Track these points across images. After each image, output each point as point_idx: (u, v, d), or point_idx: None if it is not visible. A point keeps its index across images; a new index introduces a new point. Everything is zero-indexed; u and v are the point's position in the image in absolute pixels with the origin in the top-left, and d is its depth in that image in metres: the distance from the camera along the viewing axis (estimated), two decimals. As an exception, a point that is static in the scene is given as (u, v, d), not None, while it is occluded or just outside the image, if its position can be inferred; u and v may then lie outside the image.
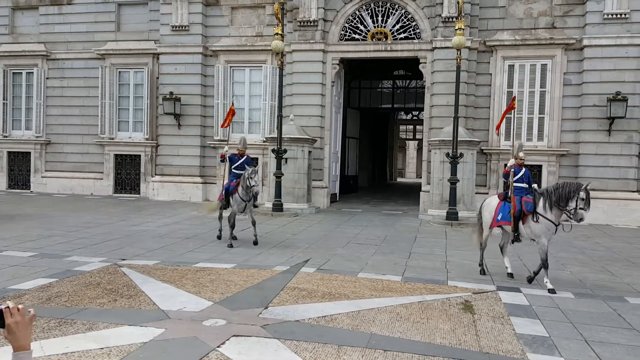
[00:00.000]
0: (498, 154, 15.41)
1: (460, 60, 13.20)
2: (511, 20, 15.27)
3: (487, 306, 5.93)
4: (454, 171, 13.19)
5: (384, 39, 15.86)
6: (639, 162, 14.46)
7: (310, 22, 15.93)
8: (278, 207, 14.11)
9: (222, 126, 11.48)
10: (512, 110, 9.14)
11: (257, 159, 16.15)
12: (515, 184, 7.44)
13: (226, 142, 11.33)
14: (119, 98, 18.46)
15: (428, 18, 15.50)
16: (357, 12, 16.06)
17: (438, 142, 14.13)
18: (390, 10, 15.83)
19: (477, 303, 6.05)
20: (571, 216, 6.66)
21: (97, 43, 18.40)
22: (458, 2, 13.10)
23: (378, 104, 24.62)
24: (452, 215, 13.10)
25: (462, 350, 4.54)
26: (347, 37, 16.19)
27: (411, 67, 18.48)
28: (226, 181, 10.10)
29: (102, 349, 4.36)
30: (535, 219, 6.96)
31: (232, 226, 9.61)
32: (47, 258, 7.92)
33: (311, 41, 16.05)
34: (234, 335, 4.74)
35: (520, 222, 7.22)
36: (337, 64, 16.26)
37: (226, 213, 9.99)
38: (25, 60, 19.06)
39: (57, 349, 4.31)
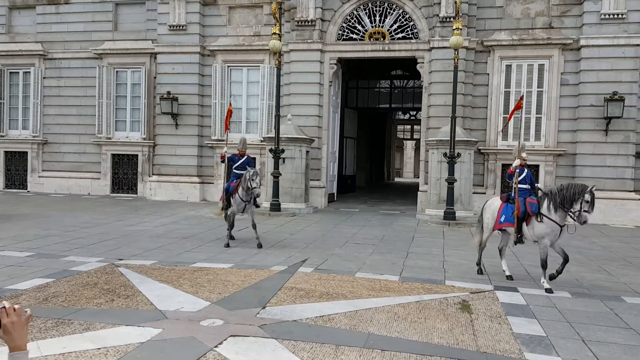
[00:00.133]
0: (495, 153, 15.44)
1: (457, 60, 13.22)
2: (509, 20, 15.29)
3: (485, 306, 5.94)
4: (451, 171, 13.21)
5: (382, 39, 15.87)
6: (635, 162, 14.50)
7: (308, 22, 15.93)
8: (275, 207, 14.10)
9: (225, 130, 11.50)
10: (520, 110, 8.95)
11: (254, 158, 16.12)
12: (520, 185, 7.38)
13: (225, 143, 11.31)
14: (116, 98, 18.44)
15: (426, 18, 15.51)
16: (355, 12, 16.06)
17: (436, 142, 14.15)
18: (388, 10, 15.84)
19: (475, 303, 6.05)
20: (575, 218, 6.62)
21: (95, 42, 18.38)
22: (455, 2, 13.11)
23: (376, 104, 24.63)
24: (449, 215, 13.11)
25: (459, 350, 4.54)
26: (344, 37, 16.19)
27: (409, 67, 18.50)
28: (225, 182, 10.09)
29: (99, 349, 4.35)
30: (539, 220, 6.90)
31: (231, 226, 9.60)
32: (44, 258, 7.90)
33: (309, 41, 16.05)
34: (231, 335, 4.73)
35: (524, 224, 7.16)
36: (335, 64, 16.26)
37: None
38: (22, 60, 19.02)
39: (54, 349, 4.30)
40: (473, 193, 14.47)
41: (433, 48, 15.26)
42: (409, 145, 46.98)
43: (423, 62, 15.60)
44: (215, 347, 4.46)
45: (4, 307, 1.85)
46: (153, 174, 17.86)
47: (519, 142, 8.02)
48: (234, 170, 9.83)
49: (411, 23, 15.71)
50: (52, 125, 19.01)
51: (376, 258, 8.61)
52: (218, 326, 4.99)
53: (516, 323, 5.32)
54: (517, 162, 7.51)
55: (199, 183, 17.29)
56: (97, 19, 18.49)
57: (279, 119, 14.42)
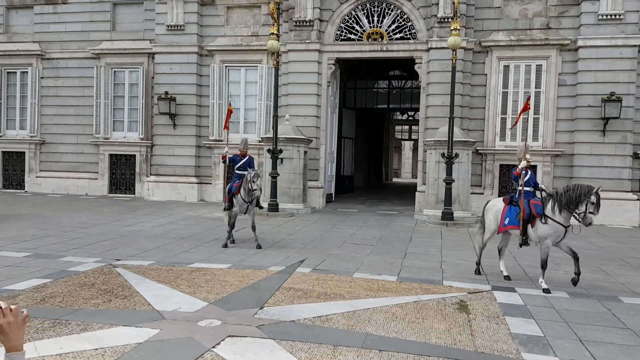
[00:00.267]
0: (493, 154, 15.46)
1: (455, 60, 13.23)
2: (506, 21, 15.31)
3: (482, 306, 5.94)
4: (449, 171, 13.21)
5: (380, 39, 15.88)
6: (633, 162, 14.53)
7: (306, 22, 15.92)
8: (274, 207, 14.09)
9: (224, 129, 11.49)
10: (527, 111, 8.84)
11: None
12: (524, 187, 7.33)
13: (225, 143, 11.32)
14: (114, 98, 18.41)
15: (424, 18, 15.53)
16: (353, 12, 16.07)
17: (433, 142, 14.15)
18: (386, 11, 15.85)
19: (472, 303, 6.06)
20: (580, 220, 6.58)
21: (92, 42, 18.34)
22: (454, 3, 13.12)
23: (374, 104, 24.64)
24: (447, 216, 13.12)
25: (457, 350, 4.55)
26: (342, 37, 16.20)
27: (407, 67, 18.51)
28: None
29: (96, 349, 4.35)
30: (543, 221, 6.86)
31: (232, 226, 9.61)
32: (41, 258, 7.88)
33: (307, 41, 16.05)
34: (229, 336, 4.73)
35: (529, 226, 7.10)
36: (333, 64, 16.26)
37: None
38: (20, 60, 18.97)
39: (52, 350, 4.29)
40: (471, 193, 14.49)
41: (431, 48, 15.27)
42: (407, 146, 47.00)
43: (421, 63, 15.61)
44: (213, 347, 4.45)
45: (0, 307, 1.84)
46: (151, 174, 17.84)
47: (525, 143, 7.88)
48: (235, 171, 9.85)
49: (409, 23, 15.72)
50: (50, 125, 18.98)
51: (374, 258, 8.61)
52: (216, 326, 4.98)
53: (514, 323, 5.33)
54: (523, 164, 7.39)
55: (197, 183, 17.27)
56: (95, 19, 18.46)
57: (277, 119, 14.41)
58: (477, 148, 15.31)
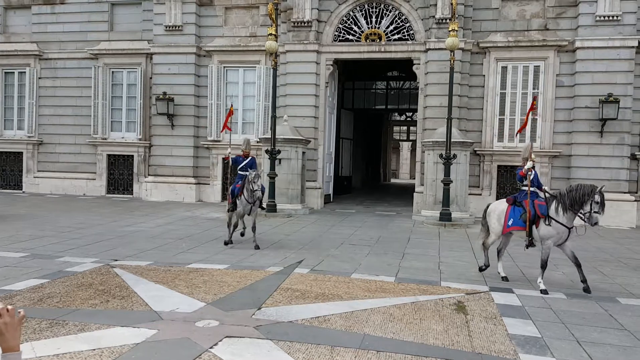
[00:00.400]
0: (491, 155, 15.48)
1: (453, 61, 13.24)
2: (504, 22, 15.33)
3: (480, 307, 5.95)
4: (447, 172, 13.22)
5: (378, 40, 15.89)
6: (630, 163, 14.57)
7: (304, 23, 15.93)
8: (272, 208, 14.08)
9: (222, 130, 11.53)
10: (534, 111, 8.67)
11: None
12: (524, 188, 7.29)
13: (228, 144, 11.35)
14: (112, 98, 18.39)
15: (422, 19, 15.54)
16: (351, 13, 16.08)
17: (431, 143, 14.17)
18: (384, 12, 15.86)
19: (470, 304, 6.06)
20: (585, 220, 6.54)
21: (90, 43, 18.33)
22: (452, 4, 13.14)
23: (372, 105, 24.63)
24: (445, 216, 13.13)
25: (454, 351, 4.55)
26: (341, 38, 16.20)
27: (405, 68, 18.52)
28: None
29: (93, 350, 4.34)
30: (547, 223, 6.81)
31: (235, 226, 9.65)
32: (38, 259, 7.87)
33: (305, 42, 16.05)
34: (226, 336, 4.73)
35: (534, 226, 7.03)
36: (331, 65, 16.27)
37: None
38: (18, 60, 18.95)
39: (49, 350, 4.29)
40: (469, 194, 14.50)
41: (429, 49, 15.29)
42: (405, 147, 47.03)
43: (419, 64, 15.63)
44: (211, 348, 4.45)
45: (-3, 307, 1.84)
46: (149, 175, 17.83)
47: (531, 143, 7.78)
48: (238, 172, 9.88)
49: (407, 24, 15.73)
50: (48, 126, 18.95)
51: (372, 259, 8.62)
52: (213, 327, 4.98)
53: (511, 324, 5.33)
54: (529, 164, 7.27)
55: (195, 184, 17.26)
56: (93, 19, 18.44)
57: (275, 119, 14.41)
58: (475, 149, 15.33)
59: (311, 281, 6.90)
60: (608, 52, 14.37)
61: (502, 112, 15.46)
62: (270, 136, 14.41)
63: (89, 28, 18.47)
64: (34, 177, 19.10)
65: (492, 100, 15.46)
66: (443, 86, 14.50)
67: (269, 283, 6.73)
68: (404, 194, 22.67)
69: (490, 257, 7.76)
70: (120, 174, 18.49)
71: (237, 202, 9.48)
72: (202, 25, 17.37)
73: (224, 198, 17.24)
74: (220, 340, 4.63)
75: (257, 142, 16.36)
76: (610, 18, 14.25)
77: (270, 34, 13.89)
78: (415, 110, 20.80)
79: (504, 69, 15.40)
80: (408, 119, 32.69)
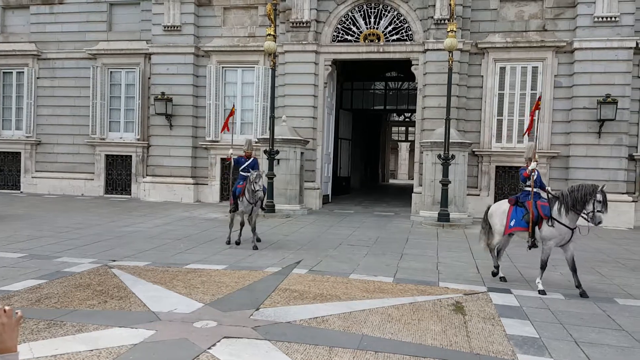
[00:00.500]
0: (489, 155, 15.49)
1: (452, 62, 13.25)
2: (503, 23, 15.35)
3: (478, 307, 5.95)
4: (445, 173, 13.23)
5: (377, 41, 15.89)
6: (628, 164, 14.59)
7: (303, 23, 15.93)
8: (270, 209, 14.08)
9: (222, 130, 11.54)
10: (538, 111, 8.57)
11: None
12: (527, 188, 7.23)
13: (229, 145, 11.38)
14: (110, 98, 18.37)
15: (420, 20, 15.55)
16: (350, 14, 16.08)
17: (430, 143, 14.17)
18: (383, 12, 15.87)
19: (468, 304, 6.07)
20: (589, 220, 6.50)
21: (89, 43, 18.31)
22: (450, 5, 13.15)
23: (370, 106, 24.64)
24: (443, 217, 13.13)
25: (453, 352, 4.55)
26: (339, 39, 16.21)
27: (403, 68, 18.53)
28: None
29: (91, 350, 4.33)
30: (550, 224, 6.75)
31: (242, 224, 9.66)
32: (36, 259, 7.86)
33: (304, 42, 16.05)
34: (224, 337, 4.72)
35: (537, 227, 6.97)
36: (330, 65, 16.27)
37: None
38: (16, 60, 18.92)
39: (46, 351, 4.28)
40: (467, 195, 14.51)
41: (427, 50, 15.30)
42: (404, 147, 47.05)
43: (417, 64, 15.64)
44: (209, 348, 4.45)
45: (-5, 308, 1.83)
46: (147, 175, 17.81)
47: (534, 143, 7.60)
48: (240, 172, 9.88)
49: (406, 25, 15.74)
50: (46, 126, 18.93)
51: (370, 259, 8.62)
52: (211, 328, 4.97)
53: (509, 324, 5.34)
54: (534, 165, 7.18)
55: (193, 184, 17.25)
56: (92, 19, 18.42)
57: (273, 120, 14.41)
58: (474, 149, 15.34)
59: (309, 282, 6.90)
60: (606, 53, 14.39)
61: (500, 113, 15.47)
62: (268, 136, 14.40)
63: (87, 28, 18.46)
64: (32, 177, 19.07)
65: (491, 101, 15.47)
66: (441, 87, 14.51)
67: (267, 284, 6.73)
68: (403, 195, 22.68)
69: (485, 258, 7.76)
70: (119, 174, 18.48)
71: (239, 202, 9.50)
72: (201, 26, 17.36)
73: (222, 198, 17.24)
74: (219, 341, 4.62)
75: (256, 142, 16.31)
76: (609, 19, 14.27)
77: (269, 35, 13.88)
78: (413, 111, 20.80)
79: (503, 69, 15.42)
80: (406, 119, 32.69)
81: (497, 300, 6.29)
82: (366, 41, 15.97)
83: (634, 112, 14.66)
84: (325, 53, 16.20)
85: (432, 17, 15.16)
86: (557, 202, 6.78)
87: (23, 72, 18.90)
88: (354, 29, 16.08)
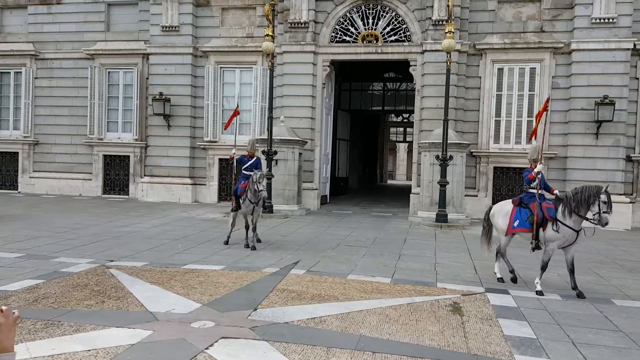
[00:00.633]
0: (487, 156, 15.51)
1: (450, 63, 13.26)
2: (500, 24, 15.37)
3: (476, 308, 5.96)
4: (443, 173, 13.25)
5: (375, 42, 15.91)
6: (625, 165, 14.62)
7: (301, 24, 15.94)
8: (268, 209, 14.08)
9: (225, 128, 11.58)
10: (546, 111, 8.48)
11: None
12: (531, 190, 7.20)
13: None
14: (108, 98, 18.36)
15: (418, 21, 15.57)
16: (348, 14, 16.09)
17: (428, 144, 14.18)
18: (381, 13, 15.88)
19: (466, 305, 6.07)
20: (596, 222, 6.47)
21: (87, 43, 18.30)
22: (448, 6, 13.16)
23: (368, 106, 24.68)
24: (441, 218, 13.15)
25: (450, 352, 4.56)
26: (337, 39, 16.21)
27: (402, 69, 18.56)
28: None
29: (89, 351, 4.33)
30: (555, 228, 6.70)
31: (247, 226, 9.69)
32: (34, 259, 7.85)
33: (302, 43, 16.06)
34: (222, 337, 4.72)
35: (541, 229, 6.92)
36: (328, 66, 16.28)
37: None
38: (14, 60, 18.90)
39: (44, 351, 4.27)
40: (465, 195, 14.53)
41: (426, 51, 15.32)
42: (402, 148, 47.11)
43: (416, 65, 15.65)
44: (206, 349, 4.44)
45: (-8, 308, 1.83)
46: (145, 175, 17.79)
47: (540, 144, 7.52)
48: (243, 172, 9.90)
49: (404, 26, 15.76)
50: (44, 126, 18.90)
51: (368, 260, 8.62)
52: (209, 328, 4.97)
53: (507, 325, 5.34)
54: (540, 167, 7.11)
55: (191, 184, 17.24)
56: (90, 20, 18.41)
57: (271, 120, 14.41)
58: (472, 150, 15.36)
59: (307, 282, 6.90)
60: (604, 54, 14.42)
61: (498, 114, 15.50)
62: (266, 137, 14.40)
63: (85, 28, 18.44)
64: (30, 177, 19.04)
65: (489, 101, 15.49)
66: (439, 88, 14.53)
67: (265, 284, 6.73)
68: (401, 195, 22.69)
69: (484, 258, 7.76)
70: (117, 175, 18.46)
71: (241, 202, 9.51)
72: (199, 26, 17.35)
73: (220, 199, 17.25)
74: (216, 341, 4.62)
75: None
76: (606, 20, 14.31)
77: (267, 35, 13.89)
78: (411, 112, 20.86)
79: (500, 70, 15.44)
80: (405, 120, 32.73)
81: (494, 301, 6.30)
82: (364, 42, 15.98)
83: (632, 113, 14.70)
84: (324, 54, 16.21)
85: (430, 18, 15.18)
86: (561, 204, 6.74)
87: (21, 72, 18.87)
88: (352, 29, 16.09)
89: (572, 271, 6.77)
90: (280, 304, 5.84)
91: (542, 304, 6.22)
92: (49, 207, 14.82)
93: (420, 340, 4.82)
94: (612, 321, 5.64)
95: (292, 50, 16.14)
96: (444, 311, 5.78)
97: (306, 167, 16.18)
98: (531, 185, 7.26)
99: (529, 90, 15.27)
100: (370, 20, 15.96)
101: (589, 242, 11.30)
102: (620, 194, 14.34)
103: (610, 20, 14.29)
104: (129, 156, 18.27)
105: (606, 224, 6.47)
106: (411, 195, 15.71)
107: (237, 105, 12.18)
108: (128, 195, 18.22)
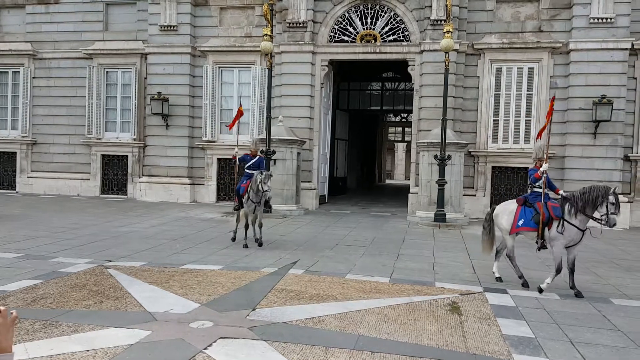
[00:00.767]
0: (486, 156, 15.52)
1: (448, 63, 13.28)
2: (499, 24, 15.39)
3: (474, 307, 5.96)
4: (442, 173, 13.26)
5: (373, 41, 15.91)
6: (623, 164, 14.65)
7: (300, 24, 15.93)
8: (266, 209, 14.06)
9: (230, 127, 11.61)
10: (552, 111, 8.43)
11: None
12: (536, 189, 7.17)
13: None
14: (106, 98, 18.34)
15: (417, 21, 15.58)
16: (347, 14, 16.09)
17: (426, 144, 14.19)
18: (380, 13, 15.89)
19: (464, 304, 6.08)
20: (603, 222, 6.46)
21: (85, 43, 18.28)
22: (446, 6, 13.17)
23: (367, 106, 24.69)
24: (440, 217, 13.16)
25: (449, 352, 4.56)
26: (336, 39, 16.22)
27: (400, 69, 18.56)
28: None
29: (87, 351, 4.32)
30: (560, 230, 6.68)
31: (246, 226, 9.71)
32: (32, 259, 7.83)
33: (300, 42, 16.06)
34: (221, 337, 4.72)
35: (546, 228, 6.88)
36: (326, 66, 16.29)
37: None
38: (12, 60, 18.87)
39: (42, 352, 4.27)
40: (463, 195, 14.55)
41: (424, 51, 15.32)
42: (400, 147, 47.14)
43: (414, 65, 15.66)
44: (205, 349, 4.44)
45: (-10, 308, 1.83)
46: (143, 175, 17.77)
47: (546, 143, 7.39)
48: (246, 170, 9.92)
49: (402, 26, 15.77)
50: (42, 126, 18.88)
51: (367, 260, 8.62)
52: (208, 328, 4.97)
53: (505, 324, 5.35)
54: (546, 166, 7.06)
55: (190, 184, 17.23)
56: (88, 19, 18.39)
57: (270, 120, 14.41)
58: (470, 150, 15.37)
59: (306, 282, 6.90)
60: (602, 54, 14.44)
61: (496, 114, 15.51)
62: (265, 136, 14.40)
63: (83, 28, 18.42)
64: (28, 177, 19.01)
65: (487, 101, 15.51)
66: (438, 87, 14.54)
67: (263, 284, 6.73)
68: (399, 195, 22.70)
69: (482, 258, 7.75)
70: (115, 174, 18.44)
71: (243, 201, 9.52)
72: (197, 26, 17.34)
73: (218, 199, 17.24)
74: (215, 341, 4.62)
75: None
76: (604, 20, 14.33)
77: (266, 35, 13.88)
78: (410, 112, 20.86)
79: (499, 70, 15.45)
80: (403, 120, 32.76)
81: (493, 300, 6.30)
82: (363, 42, 15.98)
83: (629, 113, 14.73)
84: (322, 53, 16.21)
85: (428, 18, 15.19)
86: (567, 204, 6.72)
87: (19, 71, 18.84)
88: (351, 29, 16.09)
89: (572, 271, 6.78)
90: (279, 304, 5.84)
91: (540, 303, 6.23)
92: (47, 207, 14.79)
93: (419, 340, 4.82)
94: (610, 320, 5.65)
95: (290, 50, 16.14)
96: (443, 311, 5.79)
97: (304, 167, 16.18)
98: (536, 184, 7.22)
99: (527, 90, 15.28)
100: (369, 20, 15.96)
101: (586, 242, 11.30)
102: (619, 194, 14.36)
103: (608, 20, 14.31)
104: (127, 156, 18.25)
105: (614, 225, 6.48)
106: (409, 194, 15.72)
107: (240, 105, 12.19)
108: (126, 195, 18.20)
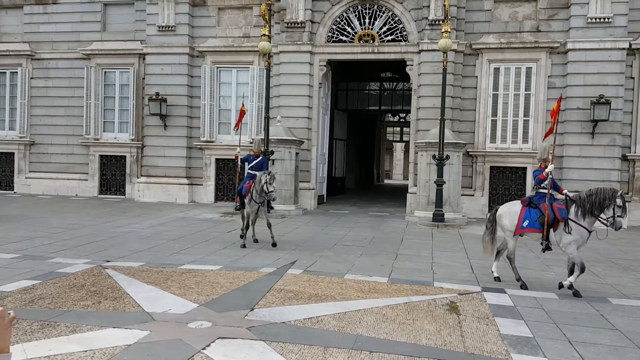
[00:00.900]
0: (484, 156, 15.53)
1: (446, 63, 13.29)
2: (497, 24, 15.40)
3: (473, 307, 5.97)
4: (440, 173, 13.26)
5: (371, 41, 15.91)
6: (621, 164, 14.67)
7: (298, 24, 15.93)
8: (268, 209, 14.04)
9: (235, 128, 11.65)
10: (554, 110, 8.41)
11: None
12: (541, 190, 7.15)
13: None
14: (104, 98, 18.32)
15: (415, 21, 15.58)
16: (345, 14, 16.10)
17: (424, 144, 14.20)
18: (378, 13, 15.89)
19: (463, 304, 6.08)
20: (610, 225, 6.47)
21: (83, 43, 18.25)
22: (445, 5, 13.19)
23: (365, 106, 24.68)
24: (438, 217, 13.17)
25: (447, 351, 4.56)
26: (334, 39, 16.22)
27: (398, 69, 18.58)
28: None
29: (85, 351, 4.32)
30: (567, 230, 6.66)
31: (247, 227, 9.74)
32: (30, 259, 7.82)
33: (298, 42, 16.06)
34: (219, 338, 4.72)
35: (552, 230, 6.87)
36: (325, 66, 16.28)
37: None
38: (9, 60, 18.83)
39: (40, 352, 4.26)
40: (462, 195, 14.55)
41: (422, 51, 15.33)
42: (399, 147, 47.13)
43: (412, 65, 15.67)
44: (203, 349, 4.44)
45: (-13, 309, 1.82)
46: (141, 175, 17.75)
47: (552, 144, 7.38)
48: (248, 171, 9.92)
49: (400, 26, 15.77)
50: (40, 126, 18.85)
51: (365, 260, 8.62)
52: (206, 328, 4.97)
53: (503, 324, 5.35)
54: (551, 167, 7.07)
55: (188, 184, 17.21)
56: (86, 20, 18.36)
57: (268, 120, 14.39)
58: (468, 150, 15.38)
59: (304, 282, 6.90)
60: (599, 54, 14.46)
61: (494, 114, 15.52)
62: (263, 137, 14.38)
63: (81, 28, 18.39)
64: (26, 178, 18.98)
65: (485, 101, 15.52)
66: (436, 87, 14.54)
67: (262, 284, 6.73)
68: (397, 195, 22.71)
69: (480, 258, 7.75)
70: (113, 175, 18.42)
71: (245, 201, 9.52)
72: (195, 26, 17.33)
73: (217, 199, 17.23)
74: (213, 342, 4.62)
75: (251, 142, 16.31)
76: (602, 20, 14.35)
77: (264, 35, 13.86)
78: (408, 111, 20.87)
79: (497, 70, 15.47)
80: (401, 120, 32.79)
81: (491, 300, 6.31)
82: (361, 42, 15.99)
83: (627, 112, 14.75)
84: (320, 53, 16.21)
85: (426, 18, 15.20)
86: (574, 205, 6.71)
87: (17, 72, 18.81)
88: (349, 29, 16.09)
89: (572, 271, 6.79)
90: (278, 304, 5.84)
91: (538, 303, 6.23)
92: (45, 207, 14.77)
93: (417, 340, 4.82)
94: (608, 320, 5.66)
95: (288, 50, 16.14)
96: (441, 310, 5.79)
97: (303, 167, 16.18)
98: (541, 185, 7.19)
99: (525, 90, 15.30)
100: (367, 20, 15.97)
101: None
102: (616, 193, 14.37)
103: (606, 19, 14.33)
104: (125, 156, 18.23)
105: (620, 227, 6.48)
106: (408, 194, 15.72)
107: (242, 105, 12.20)
108: (124, 195, 18.18)
